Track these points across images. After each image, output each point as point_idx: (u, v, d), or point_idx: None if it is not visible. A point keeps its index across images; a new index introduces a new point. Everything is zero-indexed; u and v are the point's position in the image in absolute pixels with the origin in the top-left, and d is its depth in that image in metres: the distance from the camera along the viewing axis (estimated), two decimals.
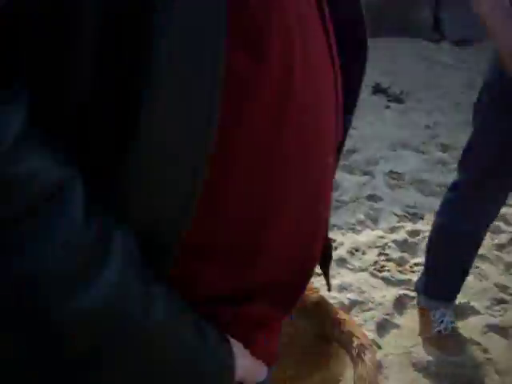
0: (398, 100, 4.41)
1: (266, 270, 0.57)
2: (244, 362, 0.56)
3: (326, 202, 0.62)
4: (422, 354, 2.01)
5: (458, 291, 2.08)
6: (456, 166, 2.04)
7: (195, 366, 0.50)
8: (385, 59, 5.01)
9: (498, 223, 2.85)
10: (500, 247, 2.71)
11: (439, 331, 1.98)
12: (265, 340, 0.62)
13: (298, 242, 0.59)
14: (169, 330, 0.47)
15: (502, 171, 1.94)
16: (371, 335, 2.01)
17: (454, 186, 2.06)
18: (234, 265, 0.55)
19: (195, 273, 0.52)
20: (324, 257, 0.77)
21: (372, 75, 4.50)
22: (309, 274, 0.63)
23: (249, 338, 0.58)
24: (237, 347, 0.56)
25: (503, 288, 2.35)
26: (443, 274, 2.03)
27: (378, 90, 4.51)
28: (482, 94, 1.88)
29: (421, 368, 1.92)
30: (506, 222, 2.89)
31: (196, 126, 0.44)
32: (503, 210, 2.95)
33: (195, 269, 0.53)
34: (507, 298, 2.23)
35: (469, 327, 2.13)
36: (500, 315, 2.23)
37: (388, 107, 4.26)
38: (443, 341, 2.00)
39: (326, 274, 0.81)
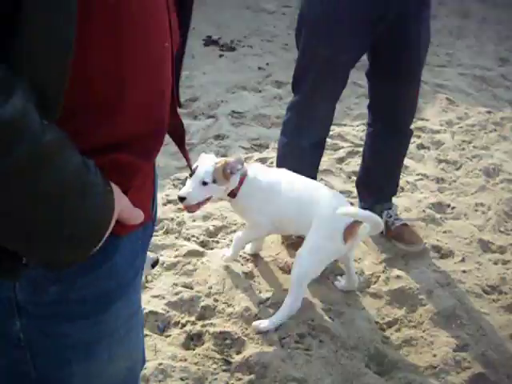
0: (230, 48, 4.58)
1: (126, 126, 0.67)
2: (122, 201, 0.66)
3: (166, 75, 0.73)
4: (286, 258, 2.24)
5: None
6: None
7: (82, 190, 0.59)
8: (213, 11, 5.13)
9: (335, 141, 3.15)
10: (340, 160, 3.01)
11: (298, 236, 2.18)
12: (137, 192, 0.72)
13: (150, 102, 0.70)
14: (59, 150, 0.56)
15: (328, 86, 2.18)
16: (240, 252, 2.19)
17: (291, 106, 2.28)
18: (99, 122, 0.64)
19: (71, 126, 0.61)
20: (179, 137, 0.87)
21: (202, 28, 4.61)
22: (163, 129, 0.75)
23: (123, 184, 0.68)
24: (115, 188, 0.65)
25: (348, 193, 2.63)
26: None
27: (209, 42, 4.63)
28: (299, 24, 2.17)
29: (288, 270, 2.13)
30: (342, 139, 3.20)
31: None
32: (338, 129, 3.25)
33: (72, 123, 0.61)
34: (352, 201, 2.50)
35: None
36: None
37: (221, 56, 4.41)
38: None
39: (185, 156, 0.92)
